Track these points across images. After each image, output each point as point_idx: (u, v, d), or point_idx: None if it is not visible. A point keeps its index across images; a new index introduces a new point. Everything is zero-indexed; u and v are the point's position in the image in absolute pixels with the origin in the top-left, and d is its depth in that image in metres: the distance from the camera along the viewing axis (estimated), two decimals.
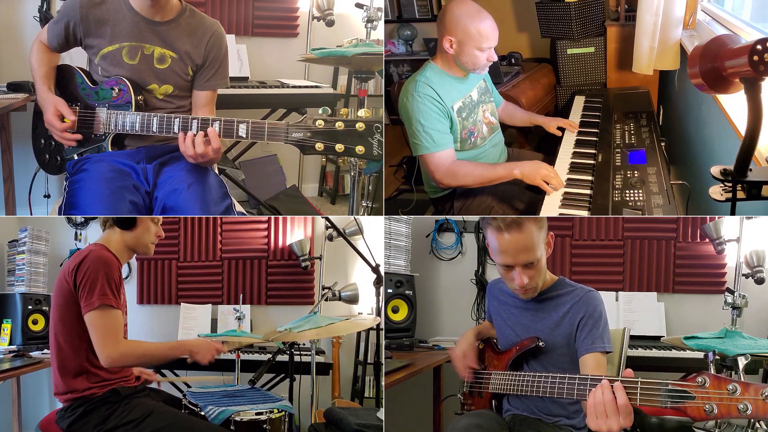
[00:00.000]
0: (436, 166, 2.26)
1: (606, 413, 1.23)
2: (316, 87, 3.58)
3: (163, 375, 2.83)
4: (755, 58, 1.39)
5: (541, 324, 1.77)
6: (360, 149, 1.72)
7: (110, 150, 2.07)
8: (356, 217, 3.04)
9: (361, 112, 1.75)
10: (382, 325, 2.71)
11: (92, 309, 1.68)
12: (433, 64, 2.35)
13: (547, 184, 2.11)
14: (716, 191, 1.63)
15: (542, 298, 1.79)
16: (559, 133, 2.68)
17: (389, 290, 2.87)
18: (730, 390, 1.07)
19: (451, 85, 2.33)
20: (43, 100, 2.10)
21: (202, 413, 1.86)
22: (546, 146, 3.00)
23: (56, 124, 2.06)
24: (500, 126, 2.65)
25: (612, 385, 1.23)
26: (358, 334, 3.18)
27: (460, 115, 2.33)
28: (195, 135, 1.86)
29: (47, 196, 2.81)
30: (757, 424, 1.90)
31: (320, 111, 1.76)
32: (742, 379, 1.59)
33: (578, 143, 2.56)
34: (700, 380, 1.12)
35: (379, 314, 2.59)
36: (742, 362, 1.79)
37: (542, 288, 1.78)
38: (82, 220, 3.46)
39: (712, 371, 1.47)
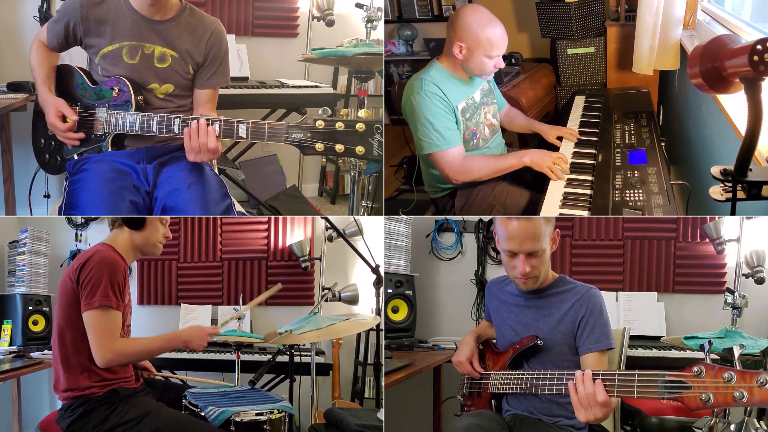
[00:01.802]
0: (448, 164, 2.28)
1: (588, 404, 1.34)
2: (316, 87, 3.58)
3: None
4: (755, 58, 1.39)
5: (542, 322, 1.78)
6: (360, 149, 1.72)
7: (110, 150, 2.07)
8: (356, 217, 3.04)
9: (361, 113, 1.75)
10: (382, 326, 2.71)
11: (92, 308, 1.68)
12: (438, 64, 2.35)
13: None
14: (716, 191, 1.63)
15: (543, 295, 1.79)
16: (558, 144, 2.66)
17: (389, 290, 2.87)
18: (725, 378, 1.09)
19: (455, 85, 2.34)
20: (44, 102, 2.10)
21: (202, 414, 1.86)
22: (546, 148, 2.99)
23: (59, 125, 2.06)
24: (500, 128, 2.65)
25: (583, 377, 1.35)
26: (358, 334, 3.17)
27: (464, 115, 2.34)
28: (198, 125, 1.85)
29: (47, 196, 2.81)
30: (758, 424, 1.90)
31: (320, 111, 1.76)
32: (738, 368, 1.59)
33: (578, 143, 2.55)
34: (696, 370, 1.14)
35: (379, 314, 2.59)
36: (737, 351, 1.79)
37: (543, 285, 1.78)
38: (83, 220, 3.45)
39: (708, 362, 1.46)
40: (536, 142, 3.62)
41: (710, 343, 1.81)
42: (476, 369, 1.87)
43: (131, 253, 1.88)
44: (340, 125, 1.73)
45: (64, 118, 2.06)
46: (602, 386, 1.32)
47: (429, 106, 2.23)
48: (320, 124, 1.74)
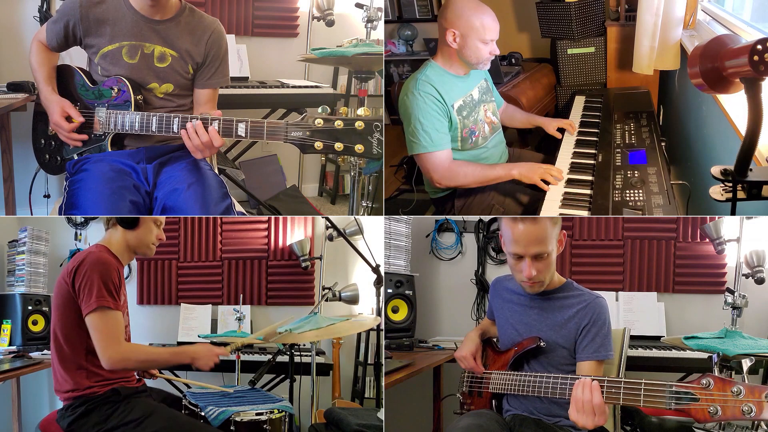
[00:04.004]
0: (433, 166, 2.26)
1: (584, 410, 1.33)
2: (316, 87, 3.58)
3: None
4: (755, 58, 1.39)
5: (544, 324, 1.78)
6: (359, 148, 1.72)
7: (110, 150, 2.07)
8: (356, 217, 3.04)
9: (361, 111, 1.75)
10: (382, 326, 2.71)
11: (91, 311, 1.68)
12: (433, 63, 2.35)
13: (547, 183, 2.14)
14: (716, 191, 1.63)
15: (548, 298, 1.79)
16: (559, 135, 2.67)
17: (389, 290, 2.87)
18: (734, 392, 1.08)
19: (452, 83, 2.33)
20: (48, 101, 2.10)
21: (203, 414, 1.86)
22: (546, 146, 3.00)
23: (64, 125, 2.06)
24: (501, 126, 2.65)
25: (591, 384, 1.34)
26: (358, 334, 3.17)
27: (460, 113, 2.33)
28: (195, 125, 1.85)
29: (47, 196, 2.81)
30: (761, 425, 1.90)
31: (319, 110, 1.75)
32: (746, 381, 1.60)
33: (579, 143, 2.55)
34: (704, 382, 1.13)
35: (379, 314, 2.59)
36: (746, 364, 1.78)
37: (549, 288, 1.78)
38: (82, 220, 3.45)
39: (716, 373, 1.47)
40: (536, 143, 3.63)
41: (718, 355, 1.81)
42: (479, 366, 1.88)
43: (125, 253, 1.88)
44: (339, 123, 1.73)
45: (69, 119, 2.07)
46: (599, 390, 1.32)
47: (421, 107, 2.23)
48: (319, 122, 1.74)
